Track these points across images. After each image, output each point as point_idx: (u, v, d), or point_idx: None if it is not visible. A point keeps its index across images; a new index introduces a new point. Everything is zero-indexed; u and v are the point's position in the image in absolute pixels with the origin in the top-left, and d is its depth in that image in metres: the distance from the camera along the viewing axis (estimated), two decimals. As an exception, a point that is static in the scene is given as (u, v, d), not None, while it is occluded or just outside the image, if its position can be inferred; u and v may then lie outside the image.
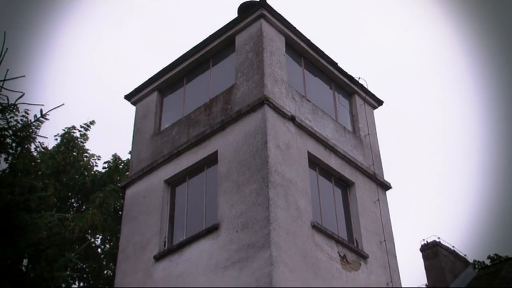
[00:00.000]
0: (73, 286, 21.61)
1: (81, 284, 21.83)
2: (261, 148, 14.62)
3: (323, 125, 16.75)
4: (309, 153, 15.73)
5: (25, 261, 18.72)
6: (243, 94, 15.92)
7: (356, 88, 18.90)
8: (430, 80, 59.45)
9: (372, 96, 19.43)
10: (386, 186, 17.74)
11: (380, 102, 19.60)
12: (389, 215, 17.22)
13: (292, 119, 15.61)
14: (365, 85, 19.10)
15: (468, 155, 57.40)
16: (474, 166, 56.73)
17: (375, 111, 19.50)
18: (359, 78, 18.94)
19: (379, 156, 18.40)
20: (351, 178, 16.65)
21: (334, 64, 18.25)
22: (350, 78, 18.73)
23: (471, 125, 57.90)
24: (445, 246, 18.26)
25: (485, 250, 54.19)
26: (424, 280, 18.64)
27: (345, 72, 18.53)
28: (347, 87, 18.77)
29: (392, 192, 18.18)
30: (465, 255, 18.72)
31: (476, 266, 19.39)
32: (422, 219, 51.62)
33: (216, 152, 15.64)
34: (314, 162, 15.91)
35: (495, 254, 27.31)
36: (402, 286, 16.28)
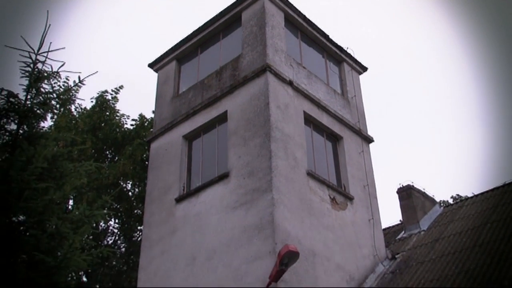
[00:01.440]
0: (109, 222, 21.98)
1: (116, 221, 22.14)
2: (264, 108, 14.67)
3: (317, 88, 16.75)
4: (304, 112, 15.74)
5: (70, 202, 19.03)
6: (249, 62, 15.91)
7: (344, 57, 18.81)
8: (414, 47, 59.23)
9: (358, 63, 19.32)
10: (369, 140, 17.79)
11: (364, 69, 19.52)
12: (371, 164, 17.32)
13: (290, 83, 15.61)
14: (352, 54, 19.05)
15: (436, 113, 57.24)
16: (441, 122, 56.70)
17: (361, 76, 19.43)
18: (347, 48, 18.84)
19: (364, 114, 18.37)
20: (340, 133, 16.68)
21: (326, 36, 18.14)
22: (340, 48, 18.63)
23: (443, 88, 57.66)
24: (417, 188, 18.38)
25: (449, 191, 55.16)
26: (399, 217, 18.89)
27: (335, 43, 18.41)
28: (337, 56, 18.69)
29: (374, 145, 18.24)
30: (433, 196, 18.88)
31: (442, 204, 19.56)
32: (399, 167, 51.98)
33: (226, 111, 15.66)
34: (308, 120, 15.91)
35: (457, 194, 27.58)
36: (381, 222, 16.53)
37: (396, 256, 15.93)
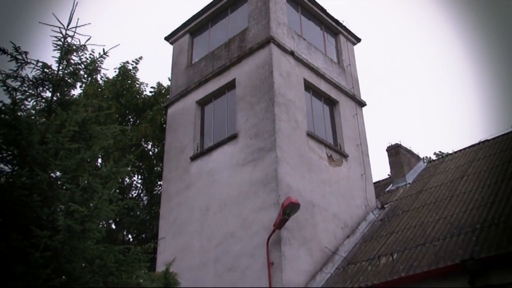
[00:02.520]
0: (133, 178, 22.13)
1: (139, 177, 22.29)
2: (268, 76, 14.65)
3: (315, 58, 16.69)
4: (304, 80, 15.72)
5: (99, 160, 19.17)
6: (254, 34, 15.84)
7: (340, 29, 18.63)
8: (407, 19, 58.50)
9: (353, 35, 19.14)
10: (362, 104, 17.78)
11: (358, 40, 19.34)
12: (364, 125, 17.32)
13: (291, 53, 15.57)
14: (347, 27, 18.90)
15: (422, 79, 56.87)
16: (426, 87, 56.40)
17: (355, 47, 19.29)
18: (343, 21, 18.67)
19: (357, 81, 18.30)
20: (336, 98, 16.69)
21: (323, 10, 17.94)
22: (336, 21, 18.44)
23: (428, 56, 57.11)
24: (404, 147, 18.39)
25: (433, 148, 55.29)
26: (388, 172, 19.00)
27: (332, 16, 18.21)
28: (334, 28, 18.53)
29: (367, 108, 18.28)
30: (418, 153, 18.92)
31: (425, 160, 19.61)
32: (388, 128, 51.91)
33: (234, 79, 15.65)
34: (308, 86, 15.89)
35: (439, 151, 27.58)
36: (372, 176, 16.65)
37: (385, 206, 16.10)
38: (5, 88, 7.81)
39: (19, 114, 7.58)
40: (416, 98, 57.02)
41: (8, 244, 6.33)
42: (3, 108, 7.42)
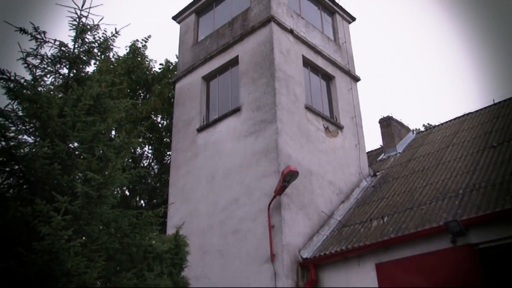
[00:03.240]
0: (144, 149, 22.23)
1: (149, 147, 22.37)
2: (269, 53, 14.60)
3: (313, 36, 16.59)
4: (303, 56, 15.65)
5: (113, 132, 19.23)
6: (256, 14, 15.71)
7: (336, 8, 18.43)
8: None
9: (348, 14, 18.93)
10: (356, 79, 17.68)
11: (353, 19, 19.15)
12: (358, 99, 17.27)
13: (291, 31, 15.48)
14: (343, 7, 18.71)
15: (413, 58, 56.51)
16: (417, 64, 56.14)
17: (350, 25, 19.15)
18: (339, 1, 18.53)
19: (352, 57, 18.20)
20: (332, 73, 16.61)
21: (321, -9, 17.86)
22: (332, 1, 18.21)
23: (419, 33, 56.56)
24: (395, 119, 18.39)
25: (422, 120, 55.32)
26: (380, 142, 19.05)
27: (329, -4, 18.15)
28: (330, 8, 18.32)
29: (361, 83, 18.25)
30: (408, 125, 18.95)
31: (414, 131, 19.66)
32: (381, 101, 51.88)
33: (237, 56, 15.57)
34: (306, 63, 15.83)
35: (428, 123, 27.61)
36: (366, 146, 16.67)
37: (377, 173, 16.21)
38: (26, 65, 7.84)
39: (39, 89, 7.64)
40: (407, 74, 57.01)
41: (33, 208, 6.48)
42: (25, 84, 7.49)
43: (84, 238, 6.96)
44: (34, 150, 7.12)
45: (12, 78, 7.42)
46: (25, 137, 7.51)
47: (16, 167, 7.06)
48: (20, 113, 7.49)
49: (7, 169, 7.07)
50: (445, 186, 12.32)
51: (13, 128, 7.39)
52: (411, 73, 56.52)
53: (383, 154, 18.08)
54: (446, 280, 9.71)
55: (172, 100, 19.59)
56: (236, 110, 14.69)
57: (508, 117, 15.12)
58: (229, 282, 12.49)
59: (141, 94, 22.70)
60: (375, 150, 19.62)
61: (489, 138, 14.13)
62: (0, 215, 6.42)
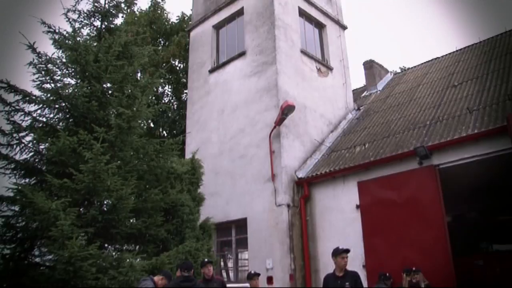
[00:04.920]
0: (165, 88, 22.28)
1: (169, 87, 22.33)
2: (269, 5, 14.25)
3: (308, -12, 16.19)
4: (299, 7, 15.23)
5: (138, 74, 19.22)
6: (258, -32, 15.27)
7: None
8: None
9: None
10: (344, 27, 17.21)
11: (344, -28, 18.65)
12: (345, 45, 16.93)
13: (288, -16, 15.11)
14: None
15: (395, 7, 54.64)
16: (397, 14, 54.43)
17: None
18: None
19: (341, 9, 17.63)
20: (324, 22, 16.24)
21: None
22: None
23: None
24: (376, 62, 18.22)
25: (398, 63, 54.56)
26: (363, 82, 18.99)
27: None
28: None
29: (348, 31, 17.99)
30: (387, 67, 18.88)
31: (392, 73, 19.55)
32: (367, 47, 50.93)
33: (243, 7, 15.22)
34: (302, 13, 15.46)
35: (403, 66, 27.30)
36: (351, 85, 16.54)
37: (360, 108, 16.18)
38: (67, 19, 7.93)
39: (78, 39, 7.77)
40: (388, 24, 55.54)
41: (78, 138, 6.82)
42: (66, 35, 7.61)
43: (118, 161, 7.31)
44: (76, 90, 7.36)
45: (57, 31, 7.53)
46: (69, 79, 7.72)
47: (63, 104, 7.32)
48: (64, 60, 7.66)
49: (56, 106, 7.34)
50: (415, 118, 12.43)
51: (59, 72, 7.59)
52: (391, 23, 55.18)
53: (366, 92, 18.06)
54: (413, 193, 10.16)
55: (188, 46, 19.43)
56: (242, 54, 14.56)
57: (467, 61, 15.11)
58: (237, 197, 12.89)
59: (161, 42, 22.51)
60: (359, 88, 19.61)
61: (451, 79, 14.15)
62: (54, 143, 6.77)
